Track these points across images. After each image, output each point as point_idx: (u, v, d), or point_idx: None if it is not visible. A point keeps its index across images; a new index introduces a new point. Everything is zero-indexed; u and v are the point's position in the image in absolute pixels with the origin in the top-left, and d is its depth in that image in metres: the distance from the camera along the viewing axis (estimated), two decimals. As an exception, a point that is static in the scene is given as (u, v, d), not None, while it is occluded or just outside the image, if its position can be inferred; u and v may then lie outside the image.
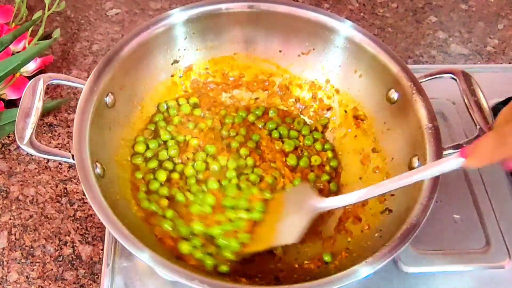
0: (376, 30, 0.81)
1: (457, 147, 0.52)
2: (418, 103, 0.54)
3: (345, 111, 0.63)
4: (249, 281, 0.49)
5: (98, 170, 0.49)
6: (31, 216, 0.59)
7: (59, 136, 0.66)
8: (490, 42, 0.81)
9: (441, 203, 0.59)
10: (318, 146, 0.62)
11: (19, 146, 0.47)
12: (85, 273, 0.56)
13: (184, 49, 0.62)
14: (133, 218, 0.51)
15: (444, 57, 0.79)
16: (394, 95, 0.57)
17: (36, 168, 0.63)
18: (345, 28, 0.59)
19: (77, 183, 0.62)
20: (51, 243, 0.58)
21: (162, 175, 0.56)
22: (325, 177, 0.59)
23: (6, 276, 0.55)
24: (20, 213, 0.60)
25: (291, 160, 0.59)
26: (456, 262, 0.56)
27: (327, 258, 0.52)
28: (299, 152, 0.61)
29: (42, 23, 0.71)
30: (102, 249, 0.56)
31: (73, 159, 0.48)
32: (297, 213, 0.51)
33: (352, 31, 0.59)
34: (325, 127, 0.64)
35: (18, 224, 0.59)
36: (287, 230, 0.51)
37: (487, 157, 0.38)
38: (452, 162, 0.42)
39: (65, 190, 0.62)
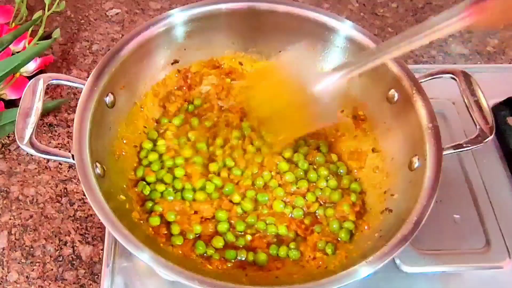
0: (376, 30, 0.81)
1: (457, 147, 0.52)
2: (418, 103, 0.54)
3: (342, 111, 0.63)
4: (249, 281, 0.49)
5: (98, 170, 0.49)
6: (31, 216, 0.59)
7: (59, 136, 0.66)
8: (490, 42, 0.81)
9: (441, 203, 0.59)
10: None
11: (19, 146, 0.47)
12: (85, 273, 0.56)
13: (184, 49, 0.62)
14: (133, 218, 0.51)
15: (444, 57, 0.79)
16: (394, 95, 0.57)
17: (36, 168, 0.63)
18: (345, 28, 0.59)
19: (77, 183, 0.62)
20: (51, 243, 0.58)
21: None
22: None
23: (6, 276, 0.55)
24: (20, 213, 0.60)
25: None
26: (456, 262, 0.56)
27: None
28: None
29: (42, 23, 0.71)
30: (102, 249, 0.56)
31: (73, 159, 0.48)
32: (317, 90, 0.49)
33: (352, 31, 0.59)
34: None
35: (18, 224, 0.59)
36: (323, 111, 0.50)
37: (494, 16, 0.35)
38: (455, 18, 0.38)
39: (65, 190, 0.62)
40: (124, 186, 0.54)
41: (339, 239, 0.54)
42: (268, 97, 0.53)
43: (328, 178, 0.57)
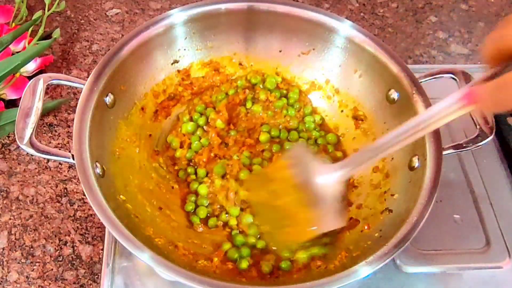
0: (376, 30, 0.81)
1: (457, 147, 0.52)
2: (418, 103, 0.54)
3: (342, 111, 0.63)
4: (249, 281, 0.49)
5: (98, 170, 0.49)
6: (31, 216, 0.59)
7: (59, 136, 0.66)
8: (490, 42, 0.81)
9: (441, 203, 0.59)
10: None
11: (19, 146, 0.47)
12: (85, 273, 0.56)
13: (184, 49, 0.62)
14: (133, 218, 0.51)
15: (444, 57, 0.79)
16: (394, 95, 0.57)
17: (36, 168, 0.63)
18: (345, 28, 0.59)
19: (77, 183, 0.62)
20: (51, 243, 0.58)
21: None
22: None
23: (6, 276, 0.55)
24: (20, 213, 0.60)
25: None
26: (456, 262, 0.56)
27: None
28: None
29: (42, 23, 0.71)
30: (102, 249, 0.56)
31: (73, 159, 0.48)
32: (321, 194, 0.47)
33: (352, 31, 0.59)
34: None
35: (18, 224, 0.59)
36: (327, 214, 0.47)
37: (490, 107, 0.34)
38: (452, 106, 0.38)
39: (65, 190, 0.62)
40: (124, 185, 0.54)
41: None
42: (267, 207, 0.51)
43: None
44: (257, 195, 0.52)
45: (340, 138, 0.63)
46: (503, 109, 0.33)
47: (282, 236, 0.50)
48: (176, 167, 0.59)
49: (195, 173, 0.59)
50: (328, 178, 0.48)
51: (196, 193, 0.57)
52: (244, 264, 0.51)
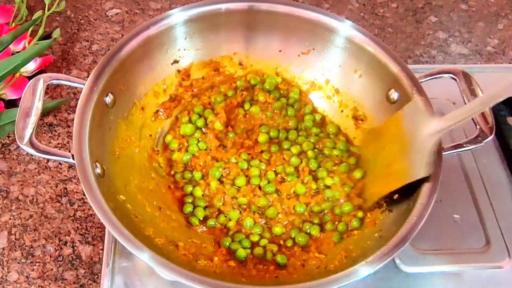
0: (376, 30, 0.81)
1: (457, 147, 0.52)
2: (418, 103, 0.54)
3: (342, 111, 0.63)
4: (249, 281, 0.49)
5: (98, 170, 0.49)
6: (31, 216, 0.59)
7: (59, 136, 0.66)
8: (490, 42, 0.81)
9: (441, 203, 0.59)
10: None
11: (19, 146, 0.47)
12: (85, 273, 0.56)
13: (184, 49, 0.62)
14: (133, 218, 0.51)
15: (444, 57, 0.79)
16: (394, 95, 0.57)
17: (36, 168, 0.63)
18: (345, 28, 0.59)
19: (77, 183, 0.62)
20: (51, 243, 0.58)
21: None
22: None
23: (6, 276, 0.55)
24: (20, 213, 0.60)
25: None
26: (456, 262, 0.56)
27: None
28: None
29: (42, 23, 0.71)
30: (102, 249, 0.56)
31: (73, 159, 0.48)
32: (416, 142, 0.50)
33: (352, 31, 0.59)
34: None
35: (18, 224, 0.59)
36: (416, 163, 0.49)
37: None
38: None
39: (65, 190, 0.62)
40: (124, 185, 0.54)
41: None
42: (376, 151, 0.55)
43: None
44: (367, 151, 0.57)
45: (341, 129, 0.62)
46: None
47: (378, 184, 0.54)
48: (172, 171, 0.59)
49: (192, 176, 0.59)
50: (429, 128, 0.49)
51: (193, 195, 0.57)
52: (242, 253, 0.52)
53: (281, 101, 0.63)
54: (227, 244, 0.53)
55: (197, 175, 0.58)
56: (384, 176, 0.54)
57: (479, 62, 0.78)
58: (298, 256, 0.53)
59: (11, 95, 0.67)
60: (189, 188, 0.57)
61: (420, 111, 0.51)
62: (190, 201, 0.57)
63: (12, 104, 0.66)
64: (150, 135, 0.60)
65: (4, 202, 0.60)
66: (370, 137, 0.59)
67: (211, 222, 0.55)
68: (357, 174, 0.57)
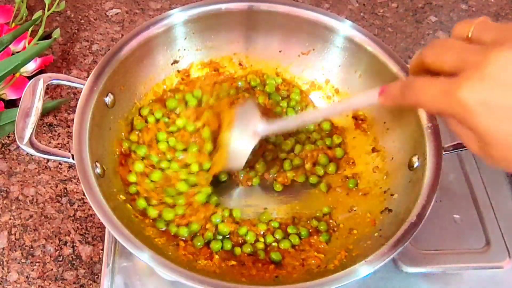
0: (376, 30, 0.81)
1: (457, 146, 0.52)
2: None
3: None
4: (249, 281, 0.49)
5: (98, 170, 0.49)
6: (31, 216, 0.59)
7: (59, 136, 0.66)
8: (490, 42, 0.81)
9: (441, 203, 0.59)
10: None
11: (19, 146, 0.47)
12: (85, 273, 0.56)
13: (184, 49, 0.62)
14: (133, 217, 0.51)
15: (444, 57, 0.79)
16: (394, 95, 0.57)
17: (36, 168, 0.63)
18: (345, 28, 0.59)
19: (77, 183, 0.62)
20: (51, 243, 0.58)
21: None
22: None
23: (6, 276, 0.55)
24: (20, 213, 0.60)
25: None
26: (456, 262, 0.56)
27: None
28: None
29: (42, 23, 0.71)
30: (102, 249, 0.56)
31: (73, 159, 0.48)
32: (242, 138, 0.54)
33: (352, 31, 0.59)
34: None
35: (18, 224, 0.59)
36: (235, 155, 0.54)
37: (395, 99, 0.40)
38: (370, 96, 0.44)
39: (65, 190, 0.62)
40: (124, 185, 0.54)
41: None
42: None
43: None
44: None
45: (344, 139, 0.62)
46: (403, 102, 0.39)
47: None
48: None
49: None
50: (253, 128, 0.54)
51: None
52: (228, 245, 0.52)
53: (282, 106, 0.63)
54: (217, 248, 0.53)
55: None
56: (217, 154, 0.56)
57: (479, 62, 0.78)
58: (294, 255, 0.53)
59: (11, 95, 0.67)
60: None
61: (253, 110, 0.55)
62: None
63: (12, 104, 0.66)
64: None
65: (4, 202, 0.60)
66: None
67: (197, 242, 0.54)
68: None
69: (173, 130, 0.59)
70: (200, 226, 0.53)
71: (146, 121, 0.59)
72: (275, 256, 0.52)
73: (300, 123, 0.55)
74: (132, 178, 0.55)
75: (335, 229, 0.55)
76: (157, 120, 0.59)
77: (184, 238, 0.53)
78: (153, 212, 0.53)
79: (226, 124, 0.56)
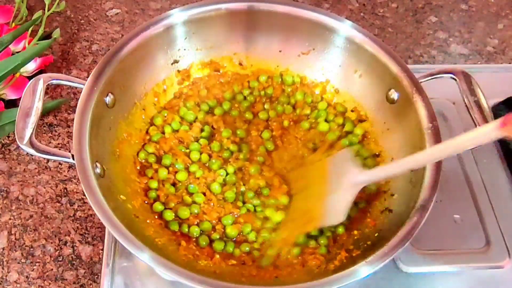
0: (376, 30, 0.81)
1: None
2: (418, 103, 0.54)
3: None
4: (249, 281, 0.49)
5: (98, 170, 0.49)
6: (31, 216, 0.59)
7: (59, 136, 0.66)
8: (490, 42, 0.81)
9: (441, 203, 0.59)
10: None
11: (19, 146, 0.47)
12: (85, 273, 0.56)
13: (184, 49, 0.62)
14: (133, 217, 0.51)
15: (444, 57, 0.79)
16: (394, 95, 0.57)
17: (36, 168, 0.63)
18: (345, 28, 0.59)
19: (77, 183, 0.62)
20: (51, 243, 0.58)
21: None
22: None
23: (6, 276, 0.55)
24: (20, 213, 0.60)
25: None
26: (456, 262, 0.56)
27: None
28: None
29: (42, 23, 0.71)
30: (102, 249, 0.56)
31: (73, 159, 0.48)
32: (339, 189, 0.51)
33: (352, 31, 0.59)
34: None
35: (18, 224, 0.59)
36: (332, 209, 0.51)
37: None
38: (489, 131, 0.40)
39: (65, 190, 0.62)
40: (124, 185, 0.54)
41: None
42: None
43: None
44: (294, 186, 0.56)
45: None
46: None
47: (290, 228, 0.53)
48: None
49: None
50: (353, 178, 0.50)
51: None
52: (230, 247, 0.52)
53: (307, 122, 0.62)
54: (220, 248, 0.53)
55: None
56: (299, 217, 0.53)
57: (479, 62, 0.78)
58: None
59: (11, 95, 0.67)
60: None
61: (348, 161, 0.52)
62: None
63: (12, 104, 0.66)
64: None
65: (4, 202, 0.60)
66: (299, 174, 0.57)
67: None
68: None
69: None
70: (212, 226, 0.54)
71: (163, 132, 0.59)
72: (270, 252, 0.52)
73: (405, 168, 0.49)
74: (153, 184, 0.55)
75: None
76: (175, 130, 0.60)
77: (192, 236, 0.53)
78: (169, 215, 0.53)
79: (318, 176, 0.53)
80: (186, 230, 0.53)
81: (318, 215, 0.52)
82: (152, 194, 0.55)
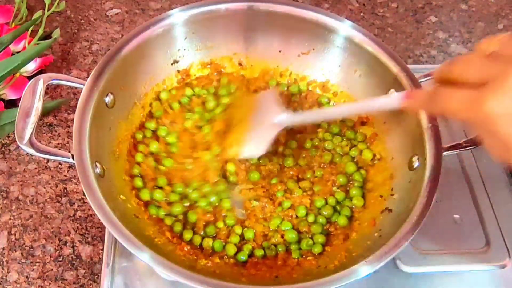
0: (376, 30, 0.81)
1: (456, 147, 0.52)
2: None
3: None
4: (249, 281, 0.49)
5: (98, 170, 0.49)
6: (31, 216, 0.59)
7: (59, 136, 0.66)
8: (490, 42, 0.81)
9: (441, 203, 0.59)
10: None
11: (19, 146, 0.47)
12: (85, 273, 0.56)
13: (184, 49, 0.62)
14: (133, 217, 0.51)
15: (444, 57, 0.79)
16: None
17: (36, 168, 0.63)
18: (345, 28, 0.59)
19: (77, 183, 0.62)
20: (51, 243, 0.58)
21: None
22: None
23: (6, 276, 0.55)
24: (20, 213, 0.60)
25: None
26: (456, 262, 0.56)
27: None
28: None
29: (42, 23, 0.71)
30: (102, 249, 0.56)
31: (73, 159, 0.48)
32: (261, 125, 0.55)
33: (352, 31, 0.59)
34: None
35: (18, 224, 0.59)
36: (254, 142, 0.55)
37: (421, 106, 0.45)
38: (393, 99, 0.45)
39: (65, 190, 0.62)
40: (124, 185, 0.54)
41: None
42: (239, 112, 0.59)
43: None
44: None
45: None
46: (430, 108, 0.44)
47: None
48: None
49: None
50: (274, 117, 0.54)
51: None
52: (231, 251, 0.52)
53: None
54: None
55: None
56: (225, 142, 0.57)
57: (479, 62, 0.78)
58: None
59: (11, 95, 0.67)
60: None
61: (273, 100, 0.56)
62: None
63: (12, 104, 0.67)
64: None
65: (4, 202, 0.60)
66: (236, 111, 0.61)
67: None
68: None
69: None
70: (215, 231, 0.54)
71: (171, 107, 0.61)
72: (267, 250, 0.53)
73: (321, 117, 0.58)
74: (139, 158, 0.56)
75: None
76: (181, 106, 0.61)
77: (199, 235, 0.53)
78: (177, 209, 0.54)
79: (245, 110, 0.56)
80: (189, 237, 0.53)
81: (240, 142, 0.55)
82: (137, 182, 0.55)
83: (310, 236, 0.54)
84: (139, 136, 0.58)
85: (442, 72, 0.40)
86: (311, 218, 0.55)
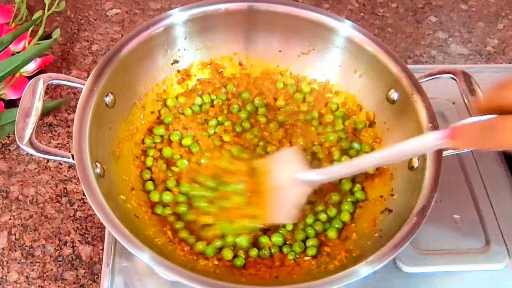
0: (376, 30, 0.81)
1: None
2: (418, 103, 0.54)
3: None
4: (249, 282, 0.49)
5: (98, 170, 0.49)
6: (31, 216, 0.59)
7: (59, 136, 0.66)
8: (490, 42, 0.81)
9: (441, 203, 0.59)
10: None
11: (19, 146, 0.47)
12: (85, 273, 0.56)
13: (184, 49, 0.62)
14: (133, 217, 0.51)
15: (444, 57, 0.79)
16: (394, 95, 0.57)
17: (36, 168, 0.63)
18: (345, 28, 0.59)
19: (77, 183, 0.62)
20: (51, 243, 0.58)
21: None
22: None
23: (6, 276, 0.55)
24: (20, 213, 0.60)
25: None
26: (456, 262, 0.56)
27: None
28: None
29: (42, 23, 0.71)
30: (102, 249, 0.56)
31: (73, 159, 0.48)
32: (288, 187, 0.51)
33: (352, 31, 0.59)
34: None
35: (18, 224, 0.59)
36: (282, 207, 0.51)
37: (472, 145, 0.39)
38: (434, 140, 0.41)
39: (65, 190, 0.62)
40: (124, 185, 0.54)
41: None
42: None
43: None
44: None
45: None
46: (480, 147, 0.37)
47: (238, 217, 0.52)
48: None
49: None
50: (302, 177, 0.51)
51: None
52: (240, 262, 0.51)
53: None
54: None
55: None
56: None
57: (479, 62, 0.78)
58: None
59: (11, 95, 0.67)
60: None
61: (293, 159, 0.52)
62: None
63: (12, 104, 0.66)
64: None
65: (4, 202, 0.60)
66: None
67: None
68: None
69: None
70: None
71: (182, 113, 0.61)
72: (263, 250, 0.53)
73: (352, 171, 0.50)
74: (149, 162, 0.56)
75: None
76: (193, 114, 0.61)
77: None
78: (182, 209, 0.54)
79: (260, 172, 0.53)
80: (201, 247, 0.52)
81: (263, 210, 0.51)
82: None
83: (302, 240, 0.53)
84: (148, 141, 0.58)
85: (492, 99, 0.34)
86: (300, 236, 0.54)
